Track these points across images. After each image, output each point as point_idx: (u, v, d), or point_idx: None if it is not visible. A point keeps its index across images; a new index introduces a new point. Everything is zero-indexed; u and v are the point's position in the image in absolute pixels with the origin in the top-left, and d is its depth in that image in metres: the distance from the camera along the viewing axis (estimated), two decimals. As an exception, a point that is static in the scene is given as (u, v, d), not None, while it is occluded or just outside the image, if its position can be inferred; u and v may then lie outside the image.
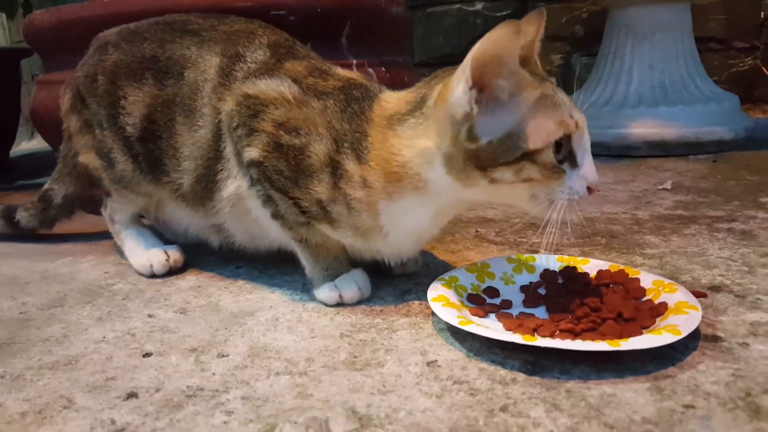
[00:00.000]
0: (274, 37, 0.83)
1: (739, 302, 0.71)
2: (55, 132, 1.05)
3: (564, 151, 0.63)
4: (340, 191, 0.71)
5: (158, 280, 0.89)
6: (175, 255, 0.92)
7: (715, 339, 0.62)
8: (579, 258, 0.80)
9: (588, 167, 0.65)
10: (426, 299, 0.69)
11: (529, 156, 0.62)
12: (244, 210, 0.81)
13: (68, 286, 0.89)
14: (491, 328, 0.62)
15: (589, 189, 0.64)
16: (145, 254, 0.92)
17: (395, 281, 0.83)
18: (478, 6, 2.54)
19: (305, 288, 0.81)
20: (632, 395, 0.52)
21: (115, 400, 0.56)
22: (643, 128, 1.71)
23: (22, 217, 1.09)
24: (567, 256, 0.81)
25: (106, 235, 1.05)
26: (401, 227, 0.73)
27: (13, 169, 2.23)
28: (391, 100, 0.73)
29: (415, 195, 0.69)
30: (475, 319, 0.66)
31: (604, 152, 1.75)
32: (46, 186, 1.07)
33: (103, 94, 0.88)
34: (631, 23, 1.80)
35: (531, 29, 0.70)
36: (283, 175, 0.73)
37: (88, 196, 1.06)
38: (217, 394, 0.56)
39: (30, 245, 1.11)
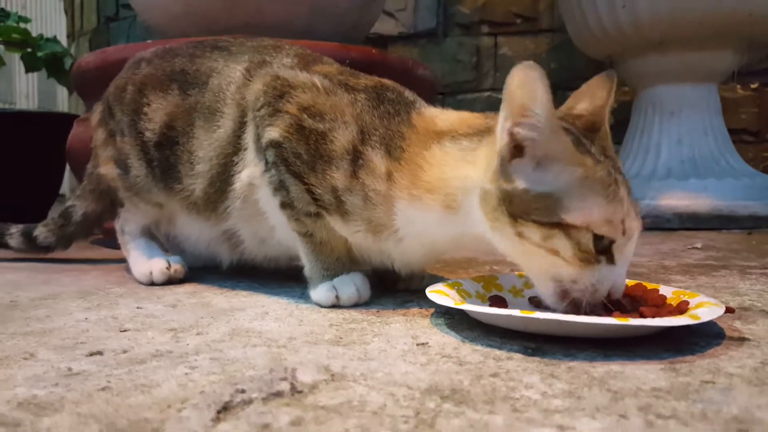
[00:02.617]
0: (301, 51, 0.85)
1: (772, 318, 0.64)
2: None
3: (603, 244, 0.56)
4: (359, 181, 0.69)
5: (156, 286, 0.87)
6: (176, 265, 0.89)
7: (742, 340, 0.55)
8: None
9: (621, 269, 0.57)
10: (427, 307, 0.64)
11: (565, 228, 0.56)
12: (254, 209, 0.79)
13: (66, 288, 0.87)
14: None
15: (609, 294, 0.57)
16: (146, 262, 0.90)
17: (397, 293, 0.79)
18: (508, 94, 2.61)
19: (303, 295, 0.77)
20: (643, 372, 0.46)
21: (78, 356, 0.52)
22: (673, 200, 1.66)
23: (41, 233, 1.09)
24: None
25: (118, 262, 1.04)
26: (417, 236, 0.69)
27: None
28: (446, 117, 0.70)
29: (443, 211, 0.66)
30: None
31: (632, 224, 1.70)
32: (68, 203, 1.08)
33: (129, 102, 0.90)
34: (658, 101, 1.81)
35: (600, 93, 0.65)
36: (300, 159, 0.71)
37: (106, 228, 1.06)
38: (185, 356, 0.52)
39: (40, 263, 1.11)
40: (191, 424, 0.37)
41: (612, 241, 0.56)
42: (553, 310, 0.58)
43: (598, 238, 0.56)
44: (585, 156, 0.57)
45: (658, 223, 1.66)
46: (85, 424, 0.38)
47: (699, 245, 1.26)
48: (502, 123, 0.58)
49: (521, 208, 0.57)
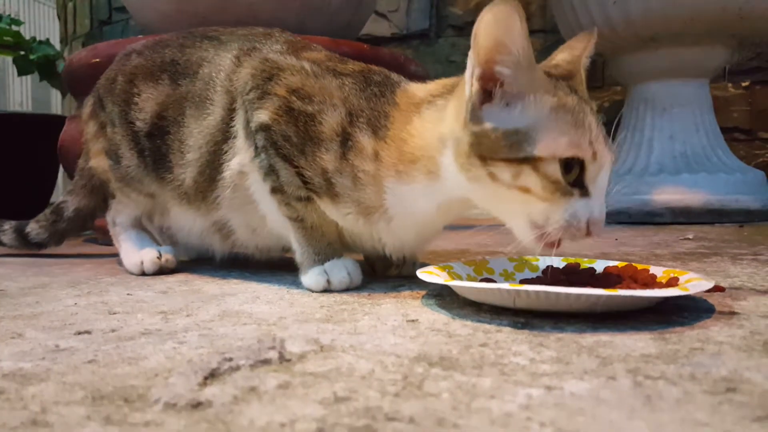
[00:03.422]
0: (291, 38, 0.85)
1: (761, 294, 0.64)
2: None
3: (574, 174, 0.57)
4: (348, 163, 0.69)
5: (147, 276, 0.86)
6: (167, 255, 0.89)
7: (732, 314, 0.55)
8: (585, 259, 0.75)
9: (597, 201, 0.58)
10: (419, 290, 0.64)
11: (533, 162, 0.57)
12: (244, 198, 0.79)
13: (57, 278, 0.87)
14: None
15: (588, 230, 0.57)
16: (137, 253, 0.89)
17: (389, 279, 0.78)
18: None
19: (295, 282, 0.77)
20: (632, 341, 0.46)
21: (66, 335, 0.52)
22: (665, 195, 1.67)
23: (32, 229, 1.08)
24: (573, 258, 0.76)
25: (110, 257, 1.04)
26: (406, 214, 0.70)
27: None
28: (425, 86, 0.71)
29: (426, 180, 0.66)
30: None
31: (625, 219, 1.70)
32: (60, 199, 1.08)
33: (120, 92, 0.90)
34: (650, 97, 1.82)
35: (579, 45, 0.68)
36: (290, 142, 0.71)
37: (99, 226, 1.05)
38: (174, 333, 0.52)
39: (31, 258, 1.10)
40: (177, 388, 0.37)
41: (582, 167, 0.57)
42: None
43: (567, 166, 0.57)
44: (557, 89, 0.59)
45: (650, 219, 1.67)
46: (70, 392, 0.37)
47: (691, 236, 1.27)
48: (470, 71, 0.59)
49: (490, 148, 0.59)
